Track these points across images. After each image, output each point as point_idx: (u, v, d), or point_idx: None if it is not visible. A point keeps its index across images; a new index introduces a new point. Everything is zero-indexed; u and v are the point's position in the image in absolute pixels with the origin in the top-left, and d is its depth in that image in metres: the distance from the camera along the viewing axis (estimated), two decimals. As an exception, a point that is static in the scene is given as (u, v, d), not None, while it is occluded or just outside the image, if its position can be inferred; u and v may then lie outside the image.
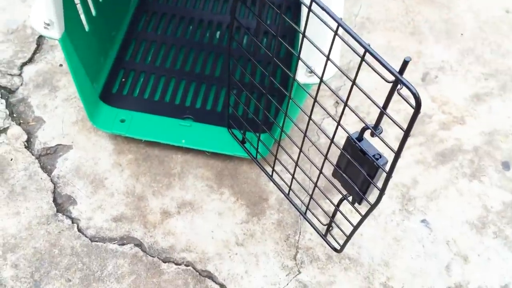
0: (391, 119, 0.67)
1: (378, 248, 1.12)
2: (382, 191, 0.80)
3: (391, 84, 0.66)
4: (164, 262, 1.08)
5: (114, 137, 1.24)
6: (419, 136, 1.30)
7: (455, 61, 1.46)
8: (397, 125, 0.66)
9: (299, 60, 0.87)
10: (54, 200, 1.15)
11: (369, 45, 0.68)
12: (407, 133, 0.67)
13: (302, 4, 0.80)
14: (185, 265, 1.08)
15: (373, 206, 0.84)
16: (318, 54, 0.80)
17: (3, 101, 1.29)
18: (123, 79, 1.31)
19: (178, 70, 1.33)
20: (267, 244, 1.12)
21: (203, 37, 1.40)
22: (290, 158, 1.16)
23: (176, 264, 1.08)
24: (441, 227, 1.16)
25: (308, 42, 0.79)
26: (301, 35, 0.82)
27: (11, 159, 1.20)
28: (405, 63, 0.63)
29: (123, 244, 1.10)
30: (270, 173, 1.14)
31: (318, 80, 0.86)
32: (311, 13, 0.76)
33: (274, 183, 1.14)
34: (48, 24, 0.94)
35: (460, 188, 1.22)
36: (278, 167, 1.19)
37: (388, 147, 0.70)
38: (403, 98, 0.64)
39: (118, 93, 1.28)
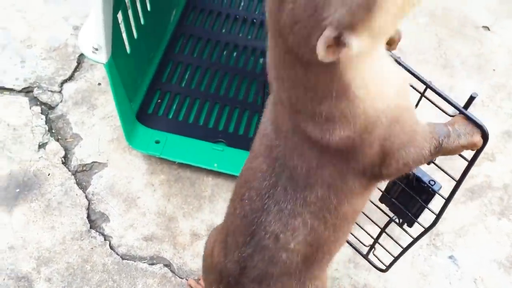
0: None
1: (404, 282, 1.12)
2: (438, 216, 0.83)
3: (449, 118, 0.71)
4: (192, 284, 1.10)
5: (148, 157, 1.27)
6: (448, 171, 1.30)
7: (486, 97, 1.46)
8: (463, 157, 0.68)
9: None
10: (88, 217, 1.18)
11: (430, 82, 0.71)
12: (471, 163, 0.71)
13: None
14: (212, 288, 1.09)
15: (427, 229, 0.86)
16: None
17: (43, 116, 1.33)
18: (159, 100, 1.34)
19: (213, 94, 1.36)
20: (294, 271, 1.12)
21: (238, 62, 1.43)
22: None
23: (204, 287, 1.10)
24: (468, 264, 1.16)
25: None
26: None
27: (49, 174, 1.23)
28: (471, 99, 0.66)
29: (152, 264, 1.12)
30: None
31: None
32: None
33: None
34: (97, 49, 0.98)
35: (488, 226, 1.22)
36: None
37: (450, 177, 0.74)
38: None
39: (153, 114, 1.31)
